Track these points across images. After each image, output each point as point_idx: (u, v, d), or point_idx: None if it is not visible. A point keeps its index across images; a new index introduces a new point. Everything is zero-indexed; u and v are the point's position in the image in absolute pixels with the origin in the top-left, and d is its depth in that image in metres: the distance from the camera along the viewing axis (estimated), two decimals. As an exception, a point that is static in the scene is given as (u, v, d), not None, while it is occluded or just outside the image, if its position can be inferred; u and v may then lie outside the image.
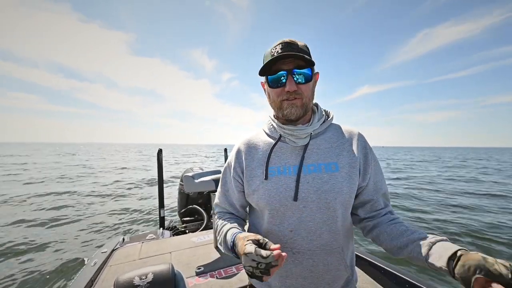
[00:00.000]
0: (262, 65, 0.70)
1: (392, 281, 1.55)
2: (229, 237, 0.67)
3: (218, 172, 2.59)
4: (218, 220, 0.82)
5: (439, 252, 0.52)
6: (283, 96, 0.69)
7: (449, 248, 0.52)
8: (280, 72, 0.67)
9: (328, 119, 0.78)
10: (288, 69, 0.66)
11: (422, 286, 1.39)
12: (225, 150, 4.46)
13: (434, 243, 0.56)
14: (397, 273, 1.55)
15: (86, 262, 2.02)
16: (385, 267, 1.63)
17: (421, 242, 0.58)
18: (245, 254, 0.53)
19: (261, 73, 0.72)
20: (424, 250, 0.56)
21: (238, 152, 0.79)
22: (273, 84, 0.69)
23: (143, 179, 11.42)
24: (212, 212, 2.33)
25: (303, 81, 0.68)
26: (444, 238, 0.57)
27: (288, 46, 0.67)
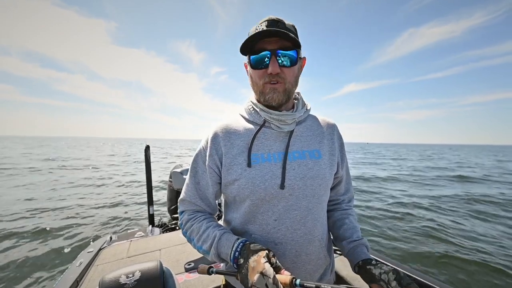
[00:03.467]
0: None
1: None
2: (227, 244, 0.61)
3: None
4: (193, 221, 0.71)
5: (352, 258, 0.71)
6: (265, 78, 0.64)
7: (357, 257, 0.69)
8: (263, 52, 0.62)
9: (308, 108, 0.77)
10: (272, 49, 0.61)
11: (407, 272, 1.44)
12: None
13: (350, 247, 0.72)
14: (381, 261, 1.60)
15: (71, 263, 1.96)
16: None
17: (343, 243, 0.74)
18: (262, 274, 0.49)
19: (243, 51, 0.66)
20: (344, 251, 0.74)
21: (215, 137, 0.71)
22: (256, 64, 0.64)
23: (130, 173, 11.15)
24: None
25: (288, 64, 0.63)
26: (359, 241, 0.72)
27: (274, 23, 0.61)
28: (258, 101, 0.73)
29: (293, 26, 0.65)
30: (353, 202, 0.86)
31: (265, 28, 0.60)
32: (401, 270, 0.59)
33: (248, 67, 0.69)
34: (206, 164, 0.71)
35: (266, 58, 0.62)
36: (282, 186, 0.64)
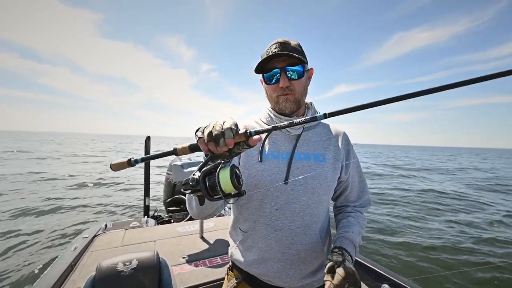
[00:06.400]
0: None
1: (371, 275, 1.62)
2: None
3: None
4: None
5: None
6: (278, 91, 0.77)
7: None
8: (274, 70, 0.74)
9: None
10: (281, 67, 0.73)
11: (398, 281, 1.48)
12: None
13: (334, 241, 0.76)
14: (374, 267, 1.63)
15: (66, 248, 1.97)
16: (363, 262, 1.71)
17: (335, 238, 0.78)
18: (224, 121, 0.48)
19: (258, 71, 0.78)
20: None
21: None
22: (269, 81, 0.77)
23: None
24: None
25: (296, 77, 0.75)
26: (341, 234, 0.75)
27: (282, 45, 0.73)
28: (273, 109, 0.84)
29: (299, 45, 0.77)
30: (367, 208, 0.90)
31: (274, 51, 0.72)
32: (351, 268, 0.59)
33: (263, 83, 0.81)
34: None
35: (278, 75, 0.74)
36: (285, 181, 0.74)
